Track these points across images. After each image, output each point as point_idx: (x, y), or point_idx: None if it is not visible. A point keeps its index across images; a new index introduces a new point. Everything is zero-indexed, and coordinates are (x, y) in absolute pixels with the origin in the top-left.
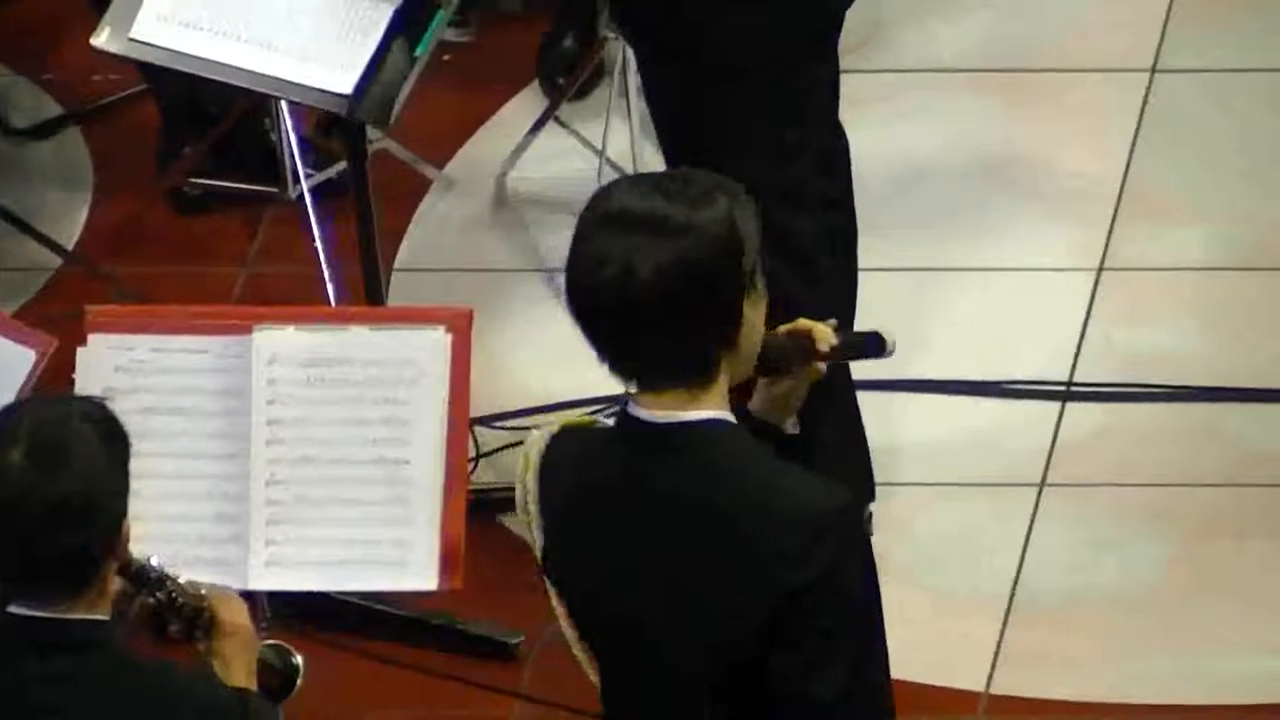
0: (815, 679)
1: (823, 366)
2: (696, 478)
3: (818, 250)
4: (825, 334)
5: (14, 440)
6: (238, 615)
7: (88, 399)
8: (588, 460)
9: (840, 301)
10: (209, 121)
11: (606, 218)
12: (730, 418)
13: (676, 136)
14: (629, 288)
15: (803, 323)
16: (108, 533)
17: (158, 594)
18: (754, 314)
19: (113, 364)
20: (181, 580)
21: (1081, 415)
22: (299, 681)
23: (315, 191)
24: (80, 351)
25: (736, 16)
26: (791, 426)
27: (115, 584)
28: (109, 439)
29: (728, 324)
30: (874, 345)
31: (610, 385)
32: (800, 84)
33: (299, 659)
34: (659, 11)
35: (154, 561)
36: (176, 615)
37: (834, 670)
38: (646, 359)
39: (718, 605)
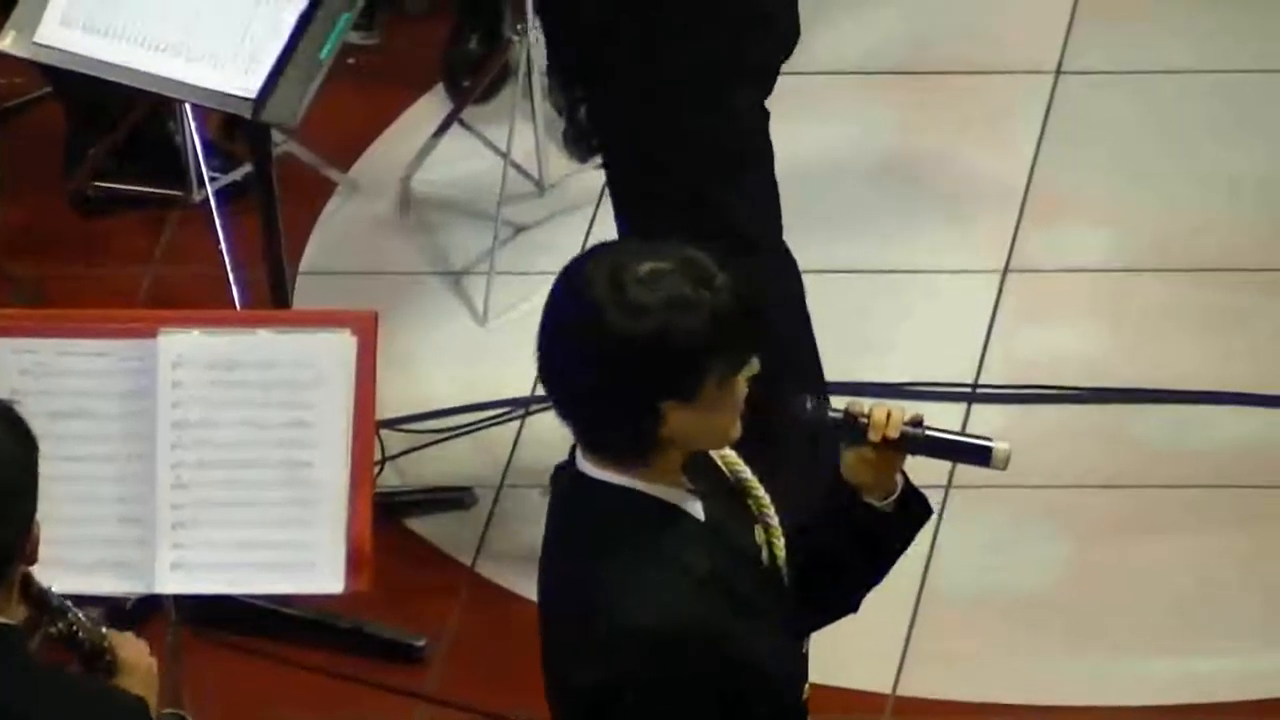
0: None
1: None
2: (583, 534)
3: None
4: (883, 422)
5: None
6: (138, 655)
7: None
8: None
9: (797, 316)
10: (113, 125)
11: (578, 274)
12: (650, 490)
13: (634, 158)
14: (541, 344)
15: (858, 404)
16: (18, 532)
17: (59, 624)
18: (692, 416)
19: (17, 367)
20: (82, 616)
21: (987, 417)
22: None
23: (220, 194)
24: None
25: (696, 47)
26: (884, 503)
27: (22, 612)
28: (18, 438)
29: (627, 421)
30: (973, 453)
31: (511, 389)
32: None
33: None
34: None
35: (55, 589)
36: (78, 649)
37: None
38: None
39: (561, 661)
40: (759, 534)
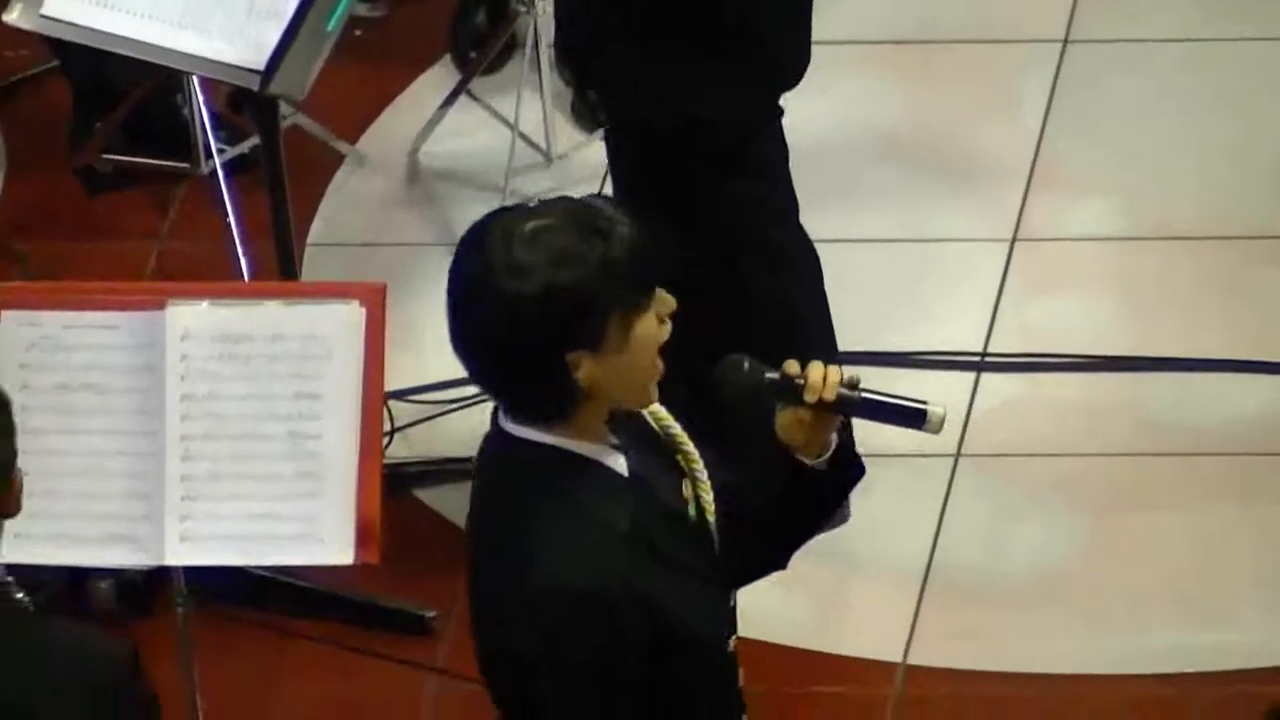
0: None
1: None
2: (506, 493)
3: (790, 253)
4: (819, 383)
5: None
6: None
7: None
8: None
9: (818, 294)
10: (117, 101)
11: (475, 238)
12: (571, 446)
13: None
14: (448, 309)
15: (791, 365)
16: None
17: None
18: (603, 364)
19: (25, 341)
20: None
21: (996, 386)
22: None
23: (227, 167)
24: None
25: (731, 92)
26: (817, 462)
27: None
28: None
29: (537, 378)
30: (908, 416)
31: None
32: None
33: None
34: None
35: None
36: None
37: None
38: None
39: (489, 622)
40: (687, 489)
